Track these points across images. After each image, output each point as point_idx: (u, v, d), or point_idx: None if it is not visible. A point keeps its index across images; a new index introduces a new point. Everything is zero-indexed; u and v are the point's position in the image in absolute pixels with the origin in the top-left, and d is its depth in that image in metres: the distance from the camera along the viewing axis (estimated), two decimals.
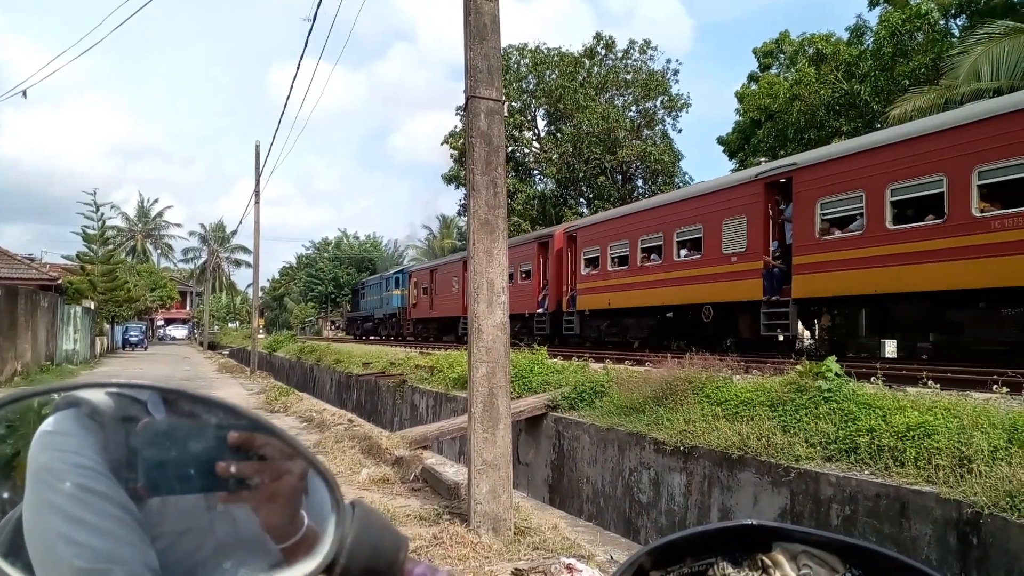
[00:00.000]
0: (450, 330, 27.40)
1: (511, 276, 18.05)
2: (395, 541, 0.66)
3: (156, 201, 77.25)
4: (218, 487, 0.72)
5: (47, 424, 0.77)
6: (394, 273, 36.76)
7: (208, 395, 0.71)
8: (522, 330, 20.02)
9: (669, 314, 15.86)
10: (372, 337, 37.34)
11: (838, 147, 12.92)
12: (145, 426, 0.74)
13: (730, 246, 13.48)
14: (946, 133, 9.78)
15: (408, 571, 0.65)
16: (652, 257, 15.83)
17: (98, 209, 32.62)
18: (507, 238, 5.62)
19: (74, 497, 0.74)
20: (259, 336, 30.40)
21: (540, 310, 20.21)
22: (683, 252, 14.98)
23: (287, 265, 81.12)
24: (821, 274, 11.39)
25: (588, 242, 18.28)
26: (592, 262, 18.09)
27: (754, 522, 0.68)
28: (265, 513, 0.73)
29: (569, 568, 4.41)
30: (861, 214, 10.88)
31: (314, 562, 0.64)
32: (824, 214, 11.56)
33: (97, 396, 0.80)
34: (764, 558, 0.68)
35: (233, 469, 0.70)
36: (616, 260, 17.05)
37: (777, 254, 12.64)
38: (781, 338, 13.49)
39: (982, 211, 9.22)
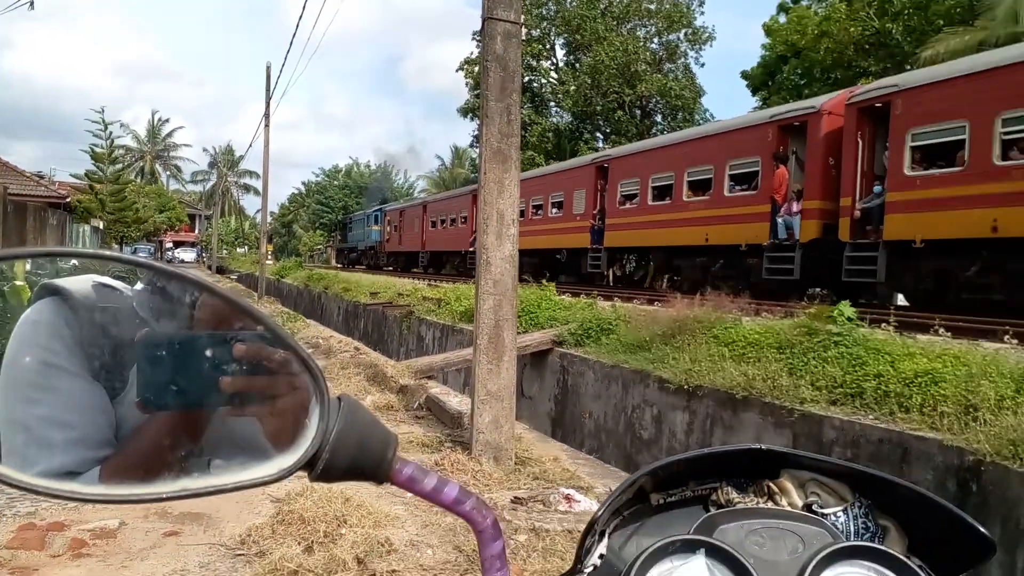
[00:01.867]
0: (414, 262, 32.83)
1: (453, 221, 28.03)
2: (383, 438, 0.61)
3: (167, 121, 76.29)
4: (218, 402, 0.66)
5: (29, 311, 0.76)
6: (373, 211, 40.89)
7: (194, 276, 0.65)
8: (459, 264, 28.00)
9: (558, 256, 21.39)
10: (357, 266, 40.27)
11: (632, 146, 20.12)
12: (144, 337, 0.68)
13: (576, 209, 19.28)
14: (678, 145, 15.92)
15: (396, 471, 0.60)
16: (537, 213, 21.82)
17: (107, 128, 32.25)
18: (519, 169, 5.48)
19: (24, 396, 0.73)
20: (267, 262, 30.50)
21: (471, 248, 25.72)
22: (553, 211, 20.90)
23: (296, 192, 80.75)
24: (620, 232, 17.16)
25: None
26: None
27: (762, 447, 0.64)
28: (269, 421, 0.66)
29: (567, 498, 4.46)
30: (638, 193, 16.62)
31: (293, 456, 0.59)
32: (622, 191, 17.26)
33: (83, 287, 0.79)
34: (771, 484, 0.65)
35: (232, 375, 0.64)
36: (530, 211, 22.76)
37: (599, 216, 17.98)
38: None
39: (687, 197, 14.85)
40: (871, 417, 5.20)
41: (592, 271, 18.77)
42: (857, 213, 10.88)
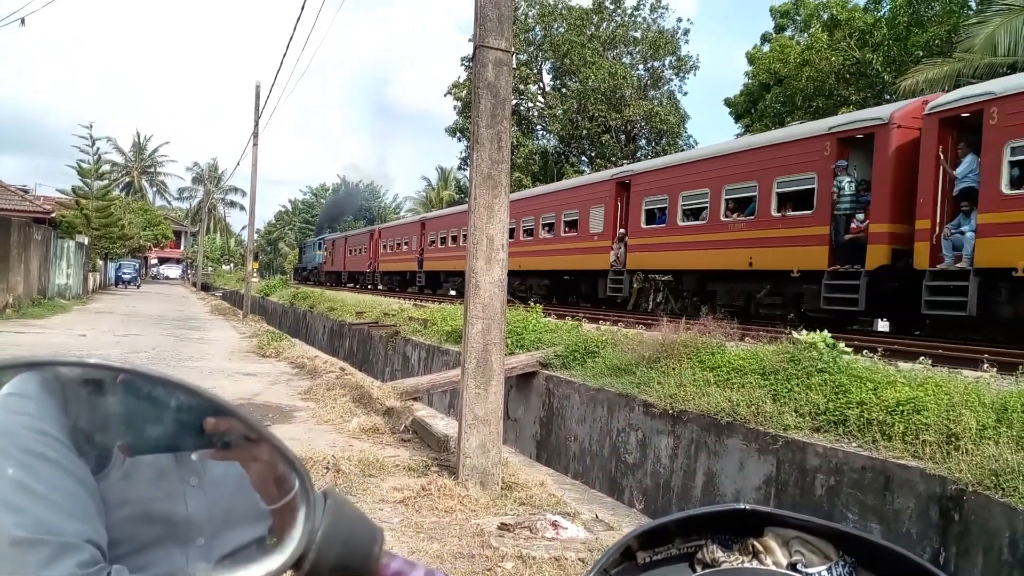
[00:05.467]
0: (339, 280, 43.04)
1: (362, 250, 38.70)
2: (370, 534, 0.61)
3: (152, 137, 75.99)
4: (196, 447, 0.68)
5: (9, 386, 0.74)
6: (318, 239, 52.01)
7: (171, 377, 0.66)
8: (362, 280, 38.59)
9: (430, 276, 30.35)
10: (307, 282, 47.11)
11: (516, 194, 26.49)
12: (125, 380, 0.69)
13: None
14: (521, 201, 22.48)
15: (384, 566, 0.61)
16: (403, 248, 32.04)
17: (94, 143, 32.03)
18: (509, 194, 5.53)
19: (24, 463, 0.71)
20: (253, 280, 30.32)
21: (369, 270, 37.44)
22: (440, 244, 28.44)
23: (283, 209, 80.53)
24: (520, 257, 22.39)
25: (386, 236, 35.30)
26: (388, 247, 34.61)
27: (746, 507, 0.66)
28: (255, 470, 0.69)
29: (554, 525, 4.45)
30: (514, 230, 23.08)
31: (281, 557, 0.59)
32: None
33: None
34: (755, 543, 0.67)
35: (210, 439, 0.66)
36: (394, 246, 33.59)
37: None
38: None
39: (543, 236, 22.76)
40: (854, 444, 5.25)
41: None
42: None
